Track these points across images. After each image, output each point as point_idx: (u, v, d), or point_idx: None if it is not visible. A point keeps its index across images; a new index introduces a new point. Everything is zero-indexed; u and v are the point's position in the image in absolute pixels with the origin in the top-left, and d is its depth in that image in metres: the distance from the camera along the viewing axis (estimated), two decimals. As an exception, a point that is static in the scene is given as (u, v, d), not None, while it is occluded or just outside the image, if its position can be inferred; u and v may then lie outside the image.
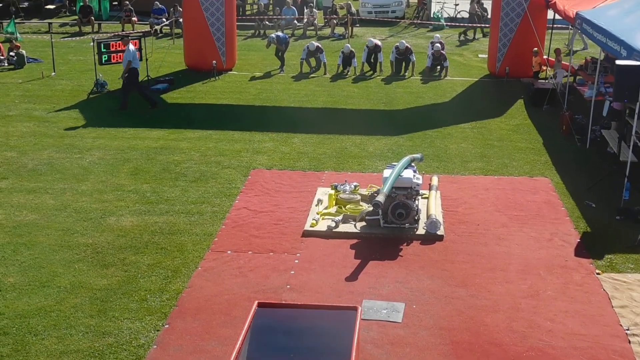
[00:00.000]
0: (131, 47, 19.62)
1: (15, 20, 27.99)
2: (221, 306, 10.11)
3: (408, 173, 12.44)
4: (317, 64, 24.15)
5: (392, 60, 23.79)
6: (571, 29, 25.38)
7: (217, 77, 22.81)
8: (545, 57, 22.08)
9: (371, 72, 23.80)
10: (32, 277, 10.83)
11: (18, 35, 26.74)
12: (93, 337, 9.37)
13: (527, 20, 21.60)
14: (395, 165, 12.67)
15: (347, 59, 23.71)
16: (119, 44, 21.18)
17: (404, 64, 23.75)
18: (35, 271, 11.02)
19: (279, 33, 24.95)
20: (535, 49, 21.70)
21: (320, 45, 23.95)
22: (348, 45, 24.29)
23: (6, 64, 24.58)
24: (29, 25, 31.53)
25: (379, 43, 24.02)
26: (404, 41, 23.86)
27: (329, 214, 12.86)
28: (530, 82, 21.26)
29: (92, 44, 21.55)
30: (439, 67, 23.78)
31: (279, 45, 24.11)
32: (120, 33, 27.30)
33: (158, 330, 9.54)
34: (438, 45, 23.57)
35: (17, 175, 14.84)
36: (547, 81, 21.26)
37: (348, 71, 23.85)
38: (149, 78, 21.88)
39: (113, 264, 11.26)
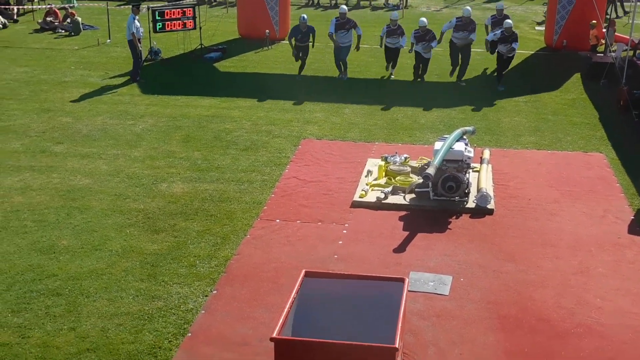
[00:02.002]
0: (132, 17, 19.07)
1: (72, -12, 28.33)
2: (269, 274, 10.19)
3: (459, 146, 12.31)
4: (344, 66, 19.82)
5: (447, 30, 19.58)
6: (633, 1, 24.69)
7: (269, 47, 22.81)
8: (604, 30, 21.54)
9: (417, 79, 19.57)
10: (84, 241, 11.05)
11: (75, 2, 27.08)
12: (143, 301, 9.54)
13: (587, -8, 21.09)
14: (446, 137, 12.55)
15: (393, 32, 19.40)
16: (174, 11, 21.28)
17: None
18: (87, 235, 11.24)
19: (308, 24, 19.76)
20: (593, 21, 21.16)
21: (352, 19, 19.76)
22: (396, 13, 20.56)
23: (62, 31, 24.94)
24: (86, -8, 31.88)
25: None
26: (468, 8, 19.83)
27: (379, 185, 12.82)
28: (588, 55, 20.77)
29: (146, 11, 21.71)
30: (505, 46, 18.64)
31: (304, 36, 19.60)
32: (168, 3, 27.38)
33: (206, 296, 9.67)
34: (509, 22, 18.80)
35: (71, 140, 15.10)
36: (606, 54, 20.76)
37: (392, 71, 19.97)
38: (202, 46, 21.97)
39: (163, 230, 11.42)
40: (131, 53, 19.38)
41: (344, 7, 20.00)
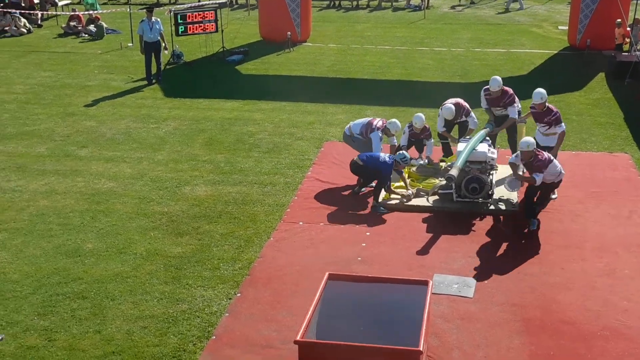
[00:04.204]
0: (146, 19, 19.18)
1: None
2: (292, 277, 10.20)
3: (483, 147, 12.24)
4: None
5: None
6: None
7: (291, 49, 22.83)
8: (628, 28, 21.35)
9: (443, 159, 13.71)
10: (109, 244, 11.12)
11: (98, 6, 27.29)
12: (167, 304, 9.58)
13: (611, -10, 20.92)
14: (469, 139, 12.49)
15: (416, 136, 13.55)
16: (196, 15, 21.37)
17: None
18: (112, 238, 11.31)
19: (385, 157, 12.38)
20: (619, 20, 20.98)
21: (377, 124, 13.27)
22: (421, 116, 13.36)
23: (86, 35, 25.14)
24: (109, -4, 32.12)
25: (463, 104, 13.60)
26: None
27: (402, 187, 12.77)
28: (612, 54, 20.60)
29: (168, 14, 21.82)
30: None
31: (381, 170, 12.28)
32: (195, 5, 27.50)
33: (230, 299, 9.69)
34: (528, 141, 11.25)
35: (96, 144, 15.21)
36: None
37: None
38: (224, 49, 22.05)
39: (187, 233, 11.46)
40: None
41: (421, 115, 13.38)
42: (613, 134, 15.55)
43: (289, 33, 22.83)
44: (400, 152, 12.57)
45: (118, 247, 11.04)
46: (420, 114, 13.40)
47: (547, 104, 12.66)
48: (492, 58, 21.93)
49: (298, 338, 7.62)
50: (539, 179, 11.13)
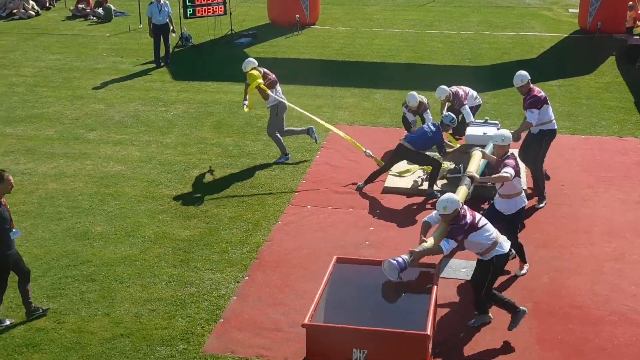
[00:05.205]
0: (155, 2, 19.11)
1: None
2: (300, 260, 10.21)
3: (492, 131, 12.17)
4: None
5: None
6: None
7: (300, 32, 22.75)
8: (640, 12, 21.18)
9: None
10: (118, 227, 11.15)
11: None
12: (175, 287, 9.61)
13: (622, -27, 20.74)
14: (478, 122, 12.45)
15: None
16: (204, -3, 21.29)
17: None
18: (121, 221, 11.34)
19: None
20: (631, 2, 20.81)
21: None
22: (414, 93, 13.43)
23: (94, 18, 25.11)
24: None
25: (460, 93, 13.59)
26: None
27: (410, 171, 12.74)
28: (623, 37, 20.44)
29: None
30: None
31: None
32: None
33: (238, 282, 9.71)
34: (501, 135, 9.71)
35: (104, 127, 15.22)
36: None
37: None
38: (233, 32, 21.99)
39: (195, 216, 11.48)
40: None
41: (414, 94, 13.39)
42: (623, 118, 15.47)
43: (297, 16, 22.76)
44: (447, 113, 12.37)
45: (127, 230, 11.06)
46: (414, 92, 13.39)
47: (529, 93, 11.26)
48: (501, 41, 21.81)
49: (306, 321, 7.65)
50: (445, 247, 8.20)
